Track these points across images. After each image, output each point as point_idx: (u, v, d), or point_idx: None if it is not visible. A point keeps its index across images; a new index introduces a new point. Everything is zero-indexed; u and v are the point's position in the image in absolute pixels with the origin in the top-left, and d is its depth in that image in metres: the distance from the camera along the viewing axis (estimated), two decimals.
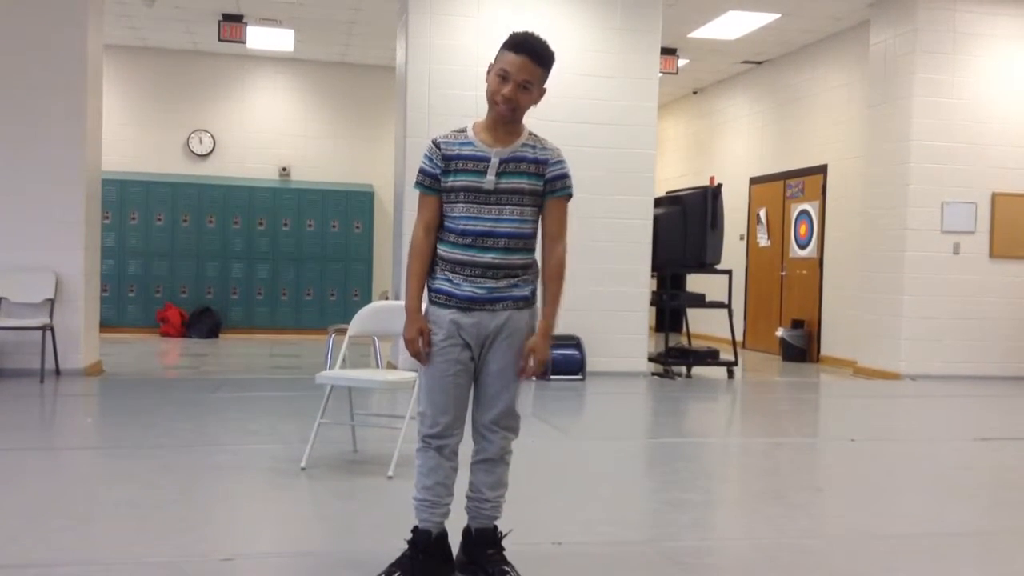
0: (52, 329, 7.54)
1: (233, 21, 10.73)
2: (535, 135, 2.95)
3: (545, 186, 2.90)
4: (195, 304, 12.32)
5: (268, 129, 13.08)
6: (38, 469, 4.60)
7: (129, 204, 12.25)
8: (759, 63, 12.55)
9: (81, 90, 7.69)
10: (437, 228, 2.92)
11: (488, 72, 2.88)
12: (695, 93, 14.52)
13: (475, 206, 2.84)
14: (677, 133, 15.18)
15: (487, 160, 2.85)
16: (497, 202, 2.84)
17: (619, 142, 8.75)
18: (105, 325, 9.29)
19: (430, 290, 2.93)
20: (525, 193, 2.86)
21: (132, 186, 12.26)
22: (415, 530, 2.97)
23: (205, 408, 6.52)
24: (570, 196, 2.95)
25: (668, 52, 11.16)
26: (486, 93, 2.87)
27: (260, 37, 11.55)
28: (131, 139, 12.61)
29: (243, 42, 11.07)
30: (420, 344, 2.89)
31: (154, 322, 12.15)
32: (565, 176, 2.92)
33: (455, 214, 2.87)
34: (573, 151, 8.66)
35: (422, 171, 2.91)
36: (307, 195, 12.80)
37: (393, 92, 10.02)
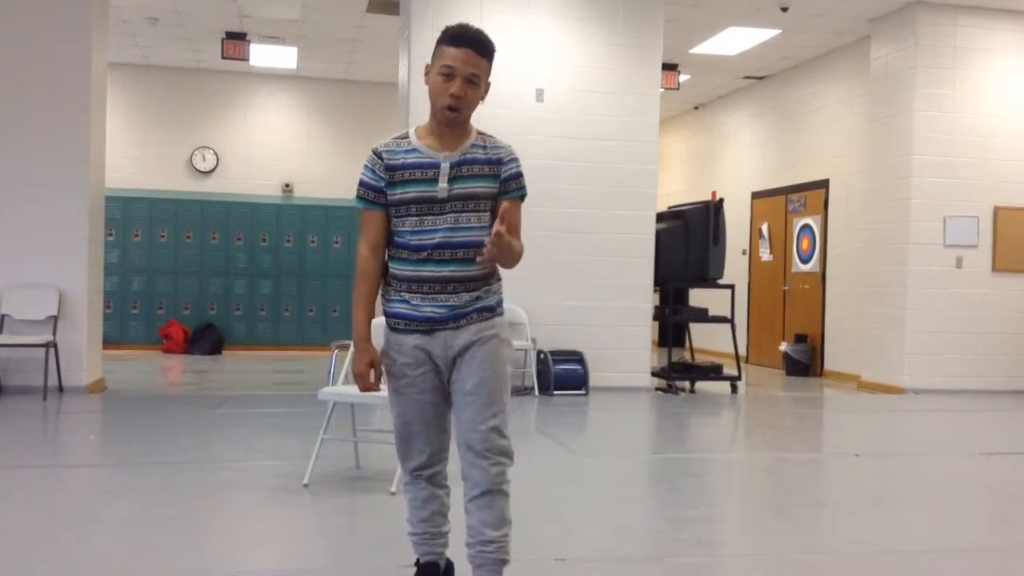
0: (55, 346, 7.54)
1: (236, 39, 10.78)
2: (483, 133, 2.72)
3: (500, 187, 2.67)
4: (198, 321, 12.33)
5: (271, 146, 13.12)
6: (41, 486, 4.60)
7: (132, 221, 12.28)
8: (760, 78, 12.59)
9: (85, 108, 7.72)
10: (384, 246, 2.70)
11: (426, 73, 2.65)
12: (697, 108, 14.56)
13: (429, 217, 2.61)
14: (679, 148, 15.21)
15: (436, 167, 2.61)
16: (452, 210, 2.61)
17: (621, 157, 8.77)
18: (108, 342, 9.30)
19: (387, 315, 2.70)
20: (481, 198, 2.64)
21: (135, 203, 12.29)
22: (419, 565, 2.79)
23: (208, 425, 6.52)
24: (524, 196, 2.73)
25: (669, 68, 11.21)
26: (429, 95, 2.64)
27: (263, 55, 11.61)
28: (134, 156, 12.65)
29: (246, 60, 11.12)
30: (371, 377, 2.67)
31: (157, 339, 12.16)
32: (520, 175, 2.71)
33: (406, 228, 2.63)
34: (576, 166, 8.81)
35: (363, 184, 2.67)
36: (310, 211, 12.83)
37: (395, 108, 10.05)
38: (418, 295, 2.63)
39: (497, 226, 2.48)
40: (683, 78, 12.07)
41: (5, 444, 5.70)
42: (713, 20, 10.00)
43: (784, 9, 9.39)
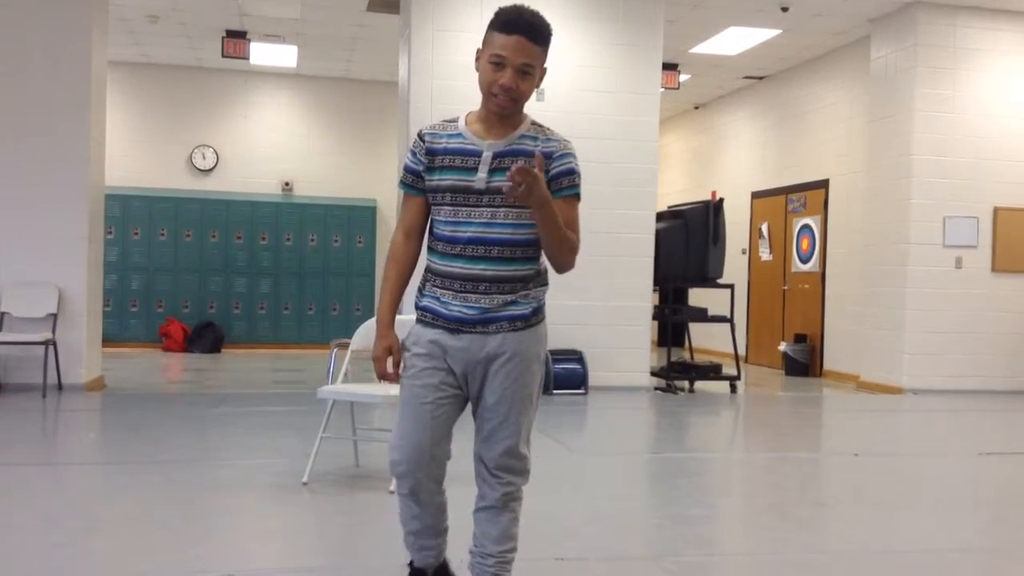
0: (55, 344, 7.54)
1: (236, 37, 10.78)
2: (539, 124, 2.54)
3: (550, 184, 2.42)
4: (197, 319, 12.32)
5: (271, 144, 13.12)
6: (39, 484, 4.59)
7: (132, 219, 12.27)
8: (760, 78, 12.59)
9: (85, 106, 7.71)
10: (421, 233, 2.57)
11: (477, 59, 2.45)
12: (697, 108, 14.55)
13: (464, 208, 2.44)
14: (679, 148, 15.21)
15: (478, 155, 2.44)
16: (490, 203, 2.43)
17: (621, 157, 8.77)
18: (107, 340, 9.28)
19: (417, 308, 2.56)
20: None
21: (135, 201, 12.29)
22: (411, 567, 2.69)
23: (207, 423, 6.52)
24: (579, 196, 2.52)
25: (670, 67, 11.20)
26: (479, 84, 2.44)
27: (263, 53, 11.60)
28: (134, 154, 12.64)
29: (246, 58, 11.12)
30: (388, 364, 2.51)
31: (156, 337, 12.15)
32: (573, 172, 2.49)
33: (441, 218, 2.48)
34: None
35: (405, 167, 2.54)
36: (309, 210, 12.82)
37: (395, 107, 10.06)
38: (449, 292, 2.47)
39: (536, 166, 2.27)
40: (683, 78, 12.07)
41: (4, 442, 5.70)
42: (713, 20, 9.99)
43: (784, 9, 9.39)
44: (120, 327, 12.08)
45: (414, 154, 2.51)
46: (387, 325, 2.53)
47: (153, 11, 10.12)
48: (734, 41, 10.71)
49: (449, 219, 2.46)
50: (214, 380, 9.33)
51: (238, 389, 8.65)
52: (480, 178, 2.43)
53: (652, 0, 8.84)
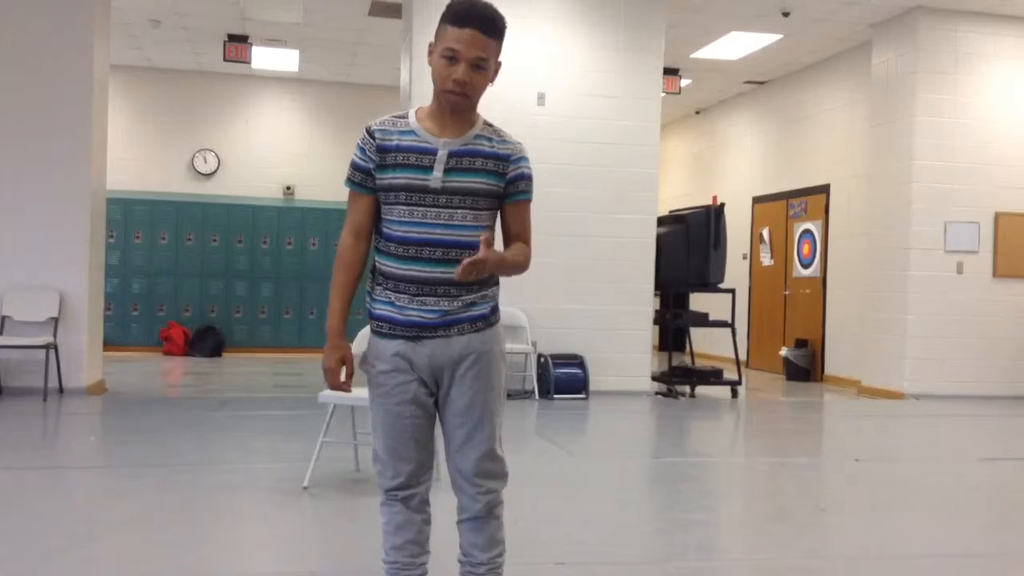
0: (55, 347, 7.54)
1: (238, 42, 10.79)
2: (491, 125, 2.47)
3: (506, 187, 2.42)
4: (198, 323, 12.33)
5: (272, 148, 13.12)
6: (40, 488, 4.59)
7: (133, 223, 12.29)
8: (761, 83, 12.60)
9: (87, 110, 7.73)
10: (370, 234, 2.47)
11: (429, 54, 2.38)
12: (698, 113, 14.56)
13: (419, 209, 2.36)
14: (680, 153, 15.22)
15: (433, 153, 2.36)
16: (447, 204, 2.36)
17: (622, 161, 8.77)
18: (108, 344, 9.30)
19: (371, 317, 2.45)
20: (480, 195, 2.38)
21: (136, 205, 12.31)
22: None
23: (208, 427, 6.52)
24: (530, 200, 2.50)
25: (671, 72, 11.22)
26: (432, 79, 2.38)
27: (265, 57, 11.62)
28: (136, 158, 12.65)
29: (248, 62, 11.13)
30: (341, 375, 2.41)
31: (157, 341, 12.16)
32: (528, 177, 2.46)
33: (394, 218, 2.38)
34: (576, 170, 8.82)
35: (352, 164, 2.43)
36: (311, 214, 12.84)
37: (397, 112, 10.05)
38: (405, 296, 2.38)
39: (482, 252, 2.25)
40: (684, 82, 12.08)
41: (5, 445, 5.70)
42: (715, 25, 10.01)
43: (786, 14, 9.40)
44: (121, 331, 12.09)
45: (363, 151, 2.42)
46: (339, 334, 2.43)
47: (155, 15, 10.13)
48: (735, 46, 10.72)
49: (403, 219, 2.38)
50: (215, 384, 9.33)
51: (239, 393, 8.66)
52: (436, 177, 2.36)
53: (653, 5, 8.85)
